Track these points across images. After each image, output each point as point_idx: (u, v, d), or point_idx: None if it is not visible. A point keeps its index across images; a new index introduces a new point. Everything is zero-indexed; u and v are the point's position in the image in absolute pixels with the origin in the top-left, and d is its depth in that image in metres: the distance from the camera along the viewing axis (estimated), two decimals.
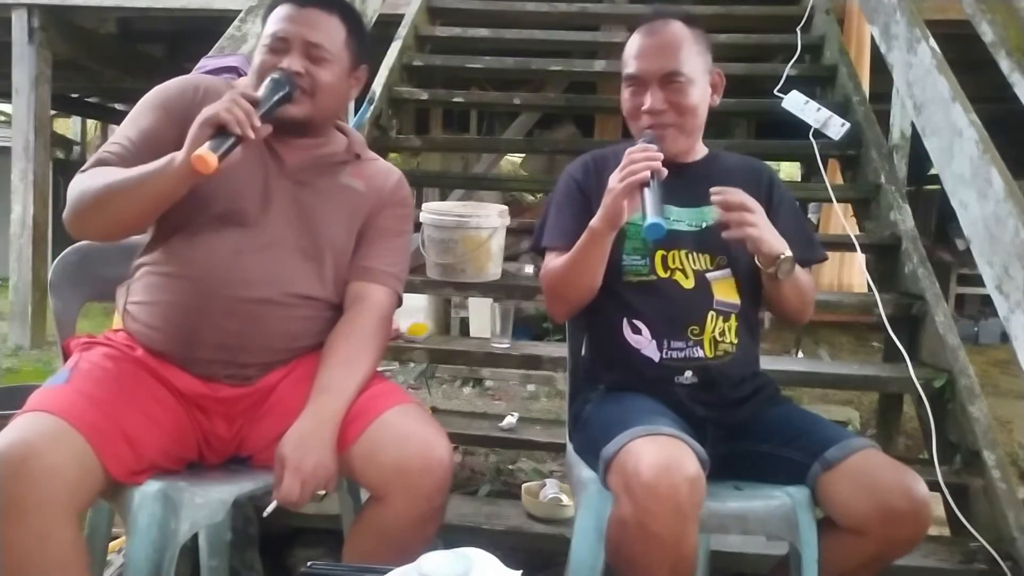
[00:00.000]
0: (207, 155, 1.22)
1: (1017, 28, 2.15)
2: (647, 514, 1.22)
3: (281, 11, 1.46)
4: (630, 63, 1.57)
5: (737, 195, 1.45)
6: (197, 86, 1.49)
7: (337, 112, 1.57)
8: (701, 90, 1.56)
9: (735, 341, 1.53)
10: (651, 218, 1.34)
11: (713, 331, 1.51)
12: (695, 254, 1.55)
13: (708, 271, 1.55)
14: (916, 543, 1.38)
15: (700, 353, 1.51)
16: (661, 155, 1.42)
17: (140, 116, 1.46)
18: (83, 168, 1.43)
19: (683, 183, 1.54)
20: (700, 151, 1.65)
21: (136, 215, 1.37)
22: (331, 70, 1.46)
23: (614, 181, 1.41)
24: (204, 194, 1.38)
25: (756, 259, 1.48)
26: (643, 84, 1.54)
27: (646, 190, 1.38)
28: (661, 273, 1.54)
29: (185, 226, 1.41)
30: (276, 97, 1.37)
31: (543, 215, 1.67)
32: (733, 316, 1.54)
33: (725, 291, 1.55)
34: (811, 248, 1.64)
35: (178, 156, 1.28)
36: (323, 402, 1.36)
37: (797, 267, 1.50)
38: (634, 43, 1.58)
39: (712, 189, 1.47)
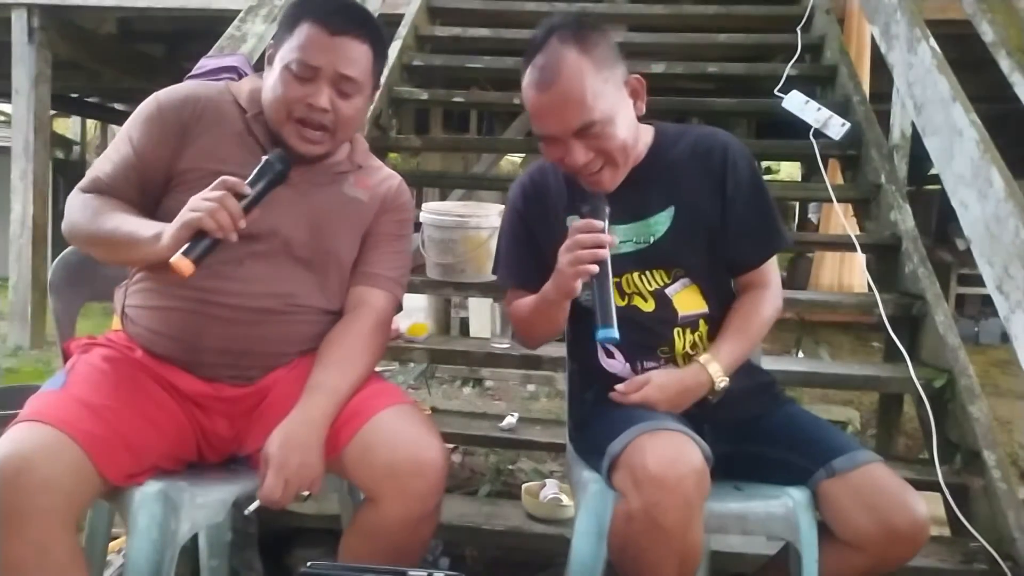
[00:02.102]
0: (181, 263, 1.25)
1: (1017, 28, 2.15)
2: (656, 507, 1.22)
3: (311, 35, 1.39)
4: (534, 122, 1.41)
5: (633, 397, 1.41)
6: (197, 99, 1.46)
7: (353, 134, 1.55)
8: (623, 117, 1.40)
9: (708, 348, 1.50)
10: (601, 329, 1.30)
11: (684, 347, 1.48)
12: (649, 273, 1.48)
13: (667, 286, 1.49)
14: (909, 560, 1.38)
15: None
16: (611, 238, 1.34)
17: (136, 129, 1.43)
18: (81, 185, 1.43)
19: (625, 195, 1.44)
20: (641, 151, 1.51)
21: (118, 263, 1.46)
22: (356, 102, 1.44)
23: (563, 262, 1.33)
24: None
25: None
26: (556, 140, 1.40)
27: (595, 285, 1.32)
28: (619, 302, 1.47)
29: None
30: (266, 184, 1.33)
31: (499, 243, 1.62)
32: (702, 323, 1.50)
33: (688, 302, 1.50)
34: (768, 240, 1.52)
35: (163, 236, 1.29)
36: (313, 402, 1.35)
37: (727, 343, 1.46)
38: (530, 97, 1.39)
39: (612, 396, 1.42)
